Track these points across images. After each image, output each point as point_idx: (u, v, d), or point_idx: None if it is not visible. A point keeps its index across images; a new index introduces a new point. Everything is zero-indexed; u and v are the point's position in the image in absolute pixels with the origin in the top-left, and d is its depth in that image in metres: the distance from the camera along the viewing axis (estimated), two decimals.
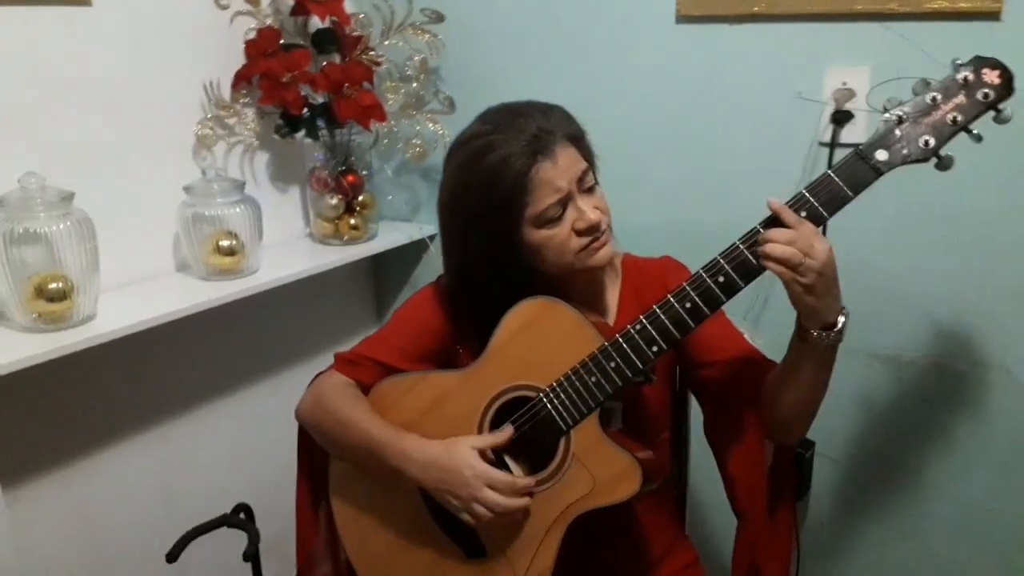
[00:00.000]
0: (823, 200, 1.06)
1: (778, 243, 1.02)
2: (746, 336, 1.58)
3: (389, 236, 2.00)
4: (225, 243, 1.68)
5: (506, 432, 1.19)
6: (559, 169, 1.15)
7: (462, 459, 1.15)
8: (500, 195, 1.15)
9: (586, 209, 1.17)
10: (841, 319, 1.07)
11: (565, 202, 1.17)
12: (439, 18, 1.86)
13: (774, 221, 1.06)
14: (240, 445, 1.92)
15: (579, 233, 1.18)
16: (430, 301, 1.33)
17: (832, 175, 1.06)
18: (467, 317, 1.28)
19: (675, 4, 1.64)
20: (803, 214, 1.05)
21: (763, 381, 1.20)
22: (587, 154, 1.22)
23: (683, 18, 1.65)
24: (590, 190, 1.20)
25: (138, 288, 1.65)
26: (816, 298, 1.03)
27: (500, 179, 1.14)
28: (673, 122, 1.71)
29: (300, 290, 1.94)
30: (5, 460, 1.53)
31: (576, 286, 1.27)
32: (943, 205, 1.47)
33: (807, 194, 1.06)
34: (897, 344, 1.57)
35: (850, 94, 1.51)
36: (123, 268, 1.65)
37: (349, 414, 1.24)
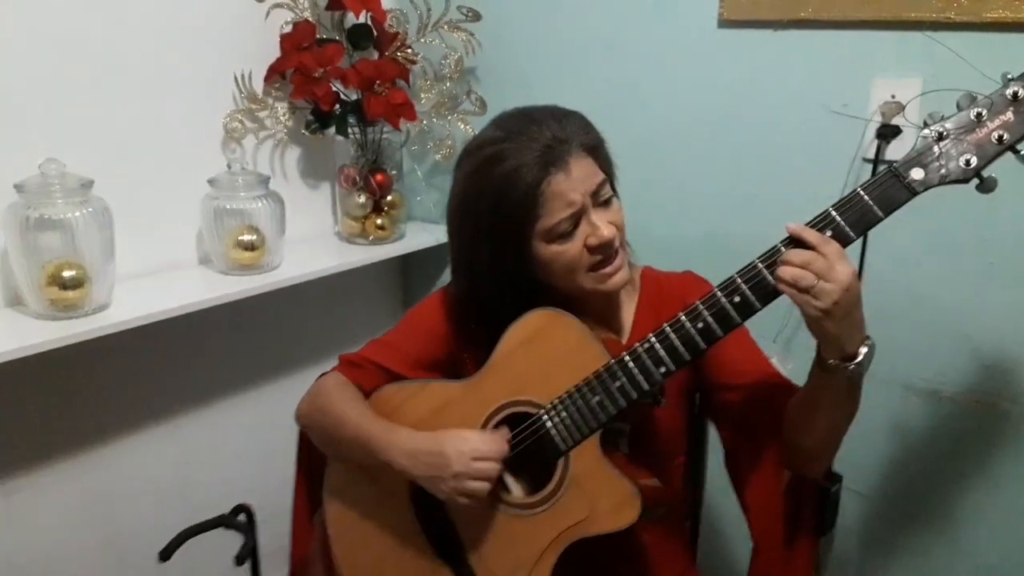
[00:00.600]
0: (851, 220, 0.99)
1: (792, 264, 0.97)
2: (775, 359, 1.52)
3: (417, 237, 1.98)
4: (246, 237, 1.68)
5: (503, 434, 1.14)
6: (572, 181, 1.10)
7: (452, 442, 1.11)
8: (510, 206, 1.11)
9: (600, 224, 1.12)
10: (863, 350, 1.01)
11: (578, 216, 1.12)
12: (476, 17, 1.83)
13: (800, 240, 1.00)
14: (253, 443, 1.91)
15: (591, 250, 1.13)
16: (439, 307, 1.30)
17: (862, 193, 1.00)
18: (474, 325, 1.24)
19: (718, 8, 1.58)
20: (828, 233, 0.99)
21: (785, 408, 1.14)
22: (605, 164, 1.17)
23: (726, 22, 1.58)
24: (606, 203, 1.15)
25: (156, 279, 1.66)
26: (834, 324, 0.97)
27: (511, 190, 1.10)
28: (709, 130, 1.65)
29: (324, 289, 1.94)
30: (16, 446, 1.55)
31: (591, 298, 1.23)
32: (992, 230, 1.39)
33: (834, 212, 1.00)
34: (935, 377, 1.48)
35: (898, 107, 1.43)
36: (144, 258, 1.66)
37: (343, 410, 1.21)
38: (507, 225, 1.12)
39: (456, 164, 1.20)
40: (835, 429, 1.10)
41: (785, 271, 0.98)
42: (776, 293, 1.02)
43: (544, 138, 1.10)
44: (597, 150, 1.16)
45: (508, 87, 1.85)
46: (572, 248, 1.13)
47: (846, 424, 1.10)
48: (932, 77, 1.39)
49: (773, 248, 1.03)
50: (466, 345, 1.27)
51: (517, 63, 1.87)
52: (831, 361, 1.01)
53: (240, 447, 1.91)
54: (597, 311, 1.24)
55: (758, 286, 1.02)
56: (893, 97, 1.43)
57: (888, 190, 0.99)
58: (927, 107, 1.40)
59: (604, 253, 1.13)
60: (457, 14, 1.84)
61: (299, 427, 1.34)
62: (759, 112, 1.58)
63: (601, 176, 1.14)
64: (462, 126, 1.88)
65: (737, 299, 1.03)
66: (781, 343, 1.57)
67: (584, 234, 1.13)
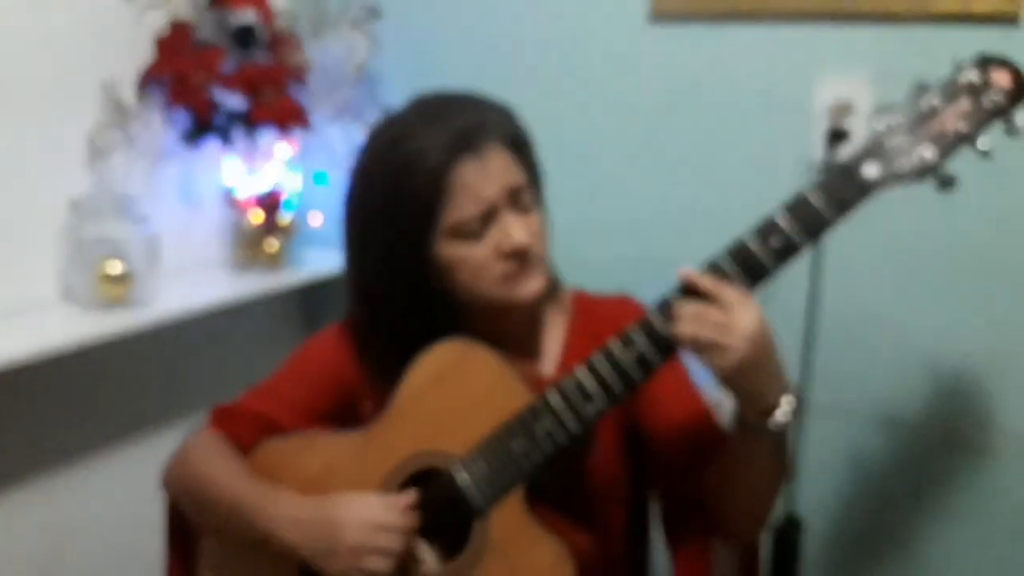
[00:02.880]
0: (798, 226, 0.90)
1: (684, 319, 0.89)
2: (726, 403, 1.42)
3: (317, 264, 1.84)
4: (114, 269, 1.51)
5: (408, 496, 1.00)
6: (486, 173, 0.98)
7: (347, 508, 0.97)
8: (409, 195, 0.98)
9: (513, 229, 1.00)
10: (785, 402, 0.91)
11: (488, 216, 1.00)
12: (376, 15, 1.71)
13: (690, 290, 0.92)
14: (127, 508, 1.72)
15: (504, 256, 1.01)
16: (332, 342, 1.17)
17: (809, 194, 0.90)
18: (370, 359, 1.11)
19: (648, 0, 1.50)
20: (774, 243, 0.90)
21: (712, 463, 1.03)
22: (529, 168, 1.06)
23: (657, 16, 1.51)
24: (525, 209, 1.03)
25: (3, 321, 1.47)
26: (745, 380, 0.89)
27: (411, 174, 0.98)
28: (641, 137, 1.56)
29: (212, 325, 1.77)
30: None
31: (507, 325, 1.10)
32: (947, 236, 1.33)
33: (778, 219, 0.91)
34: (895, 404, 1.41)
35: (846, 108, 1.36)
36: None
37: (213, 472, 1.06)
38: (403, 217, 1.00)
39: (356, 150, 1.08)
40: (759, 495, 1.00)
41: (680, 327, 0.90)
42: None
43: (459, 121, 0.98)
44: (521, 148, 1.05)
45: (414, 90, 1.73)
46: (479, 252, 1.00)
47: (772, 490, 1.00)
48: (880, 75, 1.32)
49: (663, 299, 0.94)
50: (363, 387, 1.14)
51: (425, 65, 1.77)
52: (749, 418, 0.92)
53: (112, 513, 1.72)
54: (519, 339, 1.12)
55: (658, 341, 0.93)
56: (840, 97, 1.37)
57: (839, 190, 0.90)
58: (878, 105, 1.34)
59: (517, 263, 1.01)
60: (356, 12, 1.72)
61: (167, 495, 1.17)
62: (695, 115, 1.51)
63: (522, 178, 1.03)
64: (364, 135, 1.75)
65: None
66: None
67: (495, 238, 1.00)
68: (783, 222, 0.90)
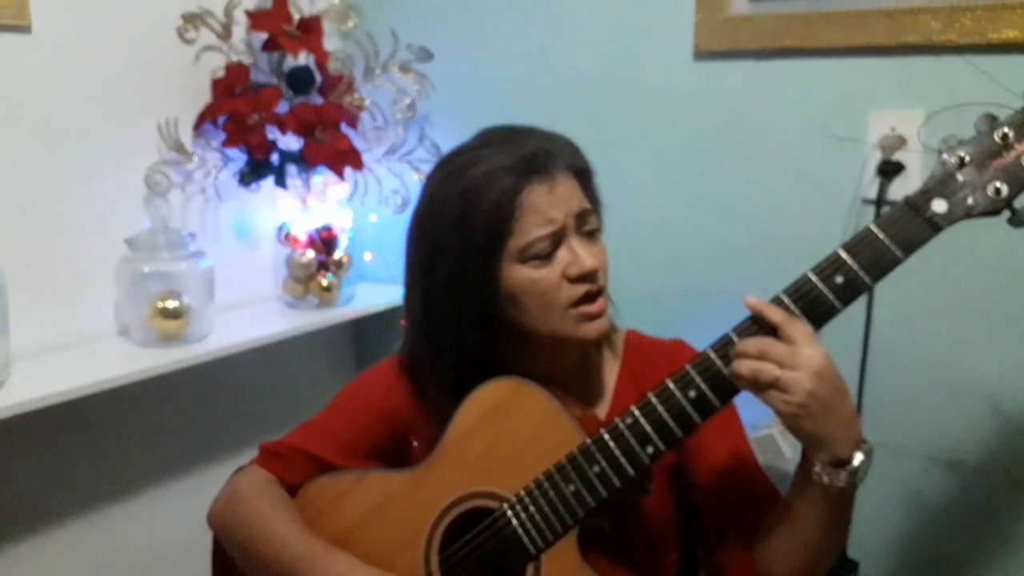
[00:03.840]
0: (865, 262, 0.84)
1: (747, 355, 0.82)
2: (774, 431, 1.35)
3: (368, 300, 1.81)
4: (169, 304, 1.49)
5: None
6: (555, 197, 0.96)
7: None
8: (479, 216, 0.95)
9: (582, 253, 0.96)
10: (858, 456, 0.84)
11: (558, 239, 0.97)
12: (428, 56, 1.69)
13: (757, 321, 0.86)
14: (179, 541, 1.69)
15: (571, 280, 0.97)
16: (383, 380, 1.12)
17: (876, 231, 0.85)
18: (427, 394, 1.07)
19: (692, 38, 1.45)
20: (839, 279, 0.84)
21: (762, 522, 0.96)
22: (593, 196, 1.03)
23: (702, 53, 1.46)
24: (591, 236, 1.00)
25: (63, 354, 1.46)
26: (814, 422, 0.82)
27: (482, 196, 0.95)
28: (689, 173, 1.50)
29: (264, 360, 1.75)
30: None
31: (563, 362, 1.06)
32: (1005, 269, 1.25)
33: (844, 254, 0.85)
34: (958, 446, 1.32)
35: (900, 142, 1.30)
36: (50, 331, 1.48)
37: (266, 522, 1.01)
38: (473, 238, 0.96)
39: (425, 180, 1.05)
40: (815, 554, 0.91)
41: (741, 365, 0.83)
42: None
43: (528, 147, 0.96)
44: (586, 177, 1.02)
45: (465, 132, 1.70)
46: (549, 275, 0.96)
47: (830, 549, 0.92)
48: (936, 108, 1.26)
49: (722, 338, 0.88)
50: (415, 424, 1.09)
51: (474, 105, 1.73)
52: (816, 467, 0.84)
53: (162, 547, 1.69)
54: (572, 377, 1.07)
55: (716, 381, 0.87)
56: (893, 130, 1.30)
57: (906, 226, 0.84)
58: (932, 139, 1.28)
59: (587, 285, 0.97)
60: (407, 54, 1.70)
61: (212, 532, 1.12)
62: (744, 152, 1.45)
63: (588, 205, 1.00)
64: (415, 175, 1.72)
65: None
66: None
67: (563, 262, 0.97)
68: (848, 259, 0.84)
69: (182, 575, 1.69)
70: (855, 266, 0.85)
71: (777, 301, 0.86)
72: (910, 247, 0.84)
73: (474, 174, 0.96)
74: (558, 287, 0.97)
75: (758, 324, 0.86)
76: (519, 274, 0.97)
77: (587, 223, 1.00)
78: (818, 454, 0.84)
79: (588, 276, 0.97)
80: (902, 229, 0.84)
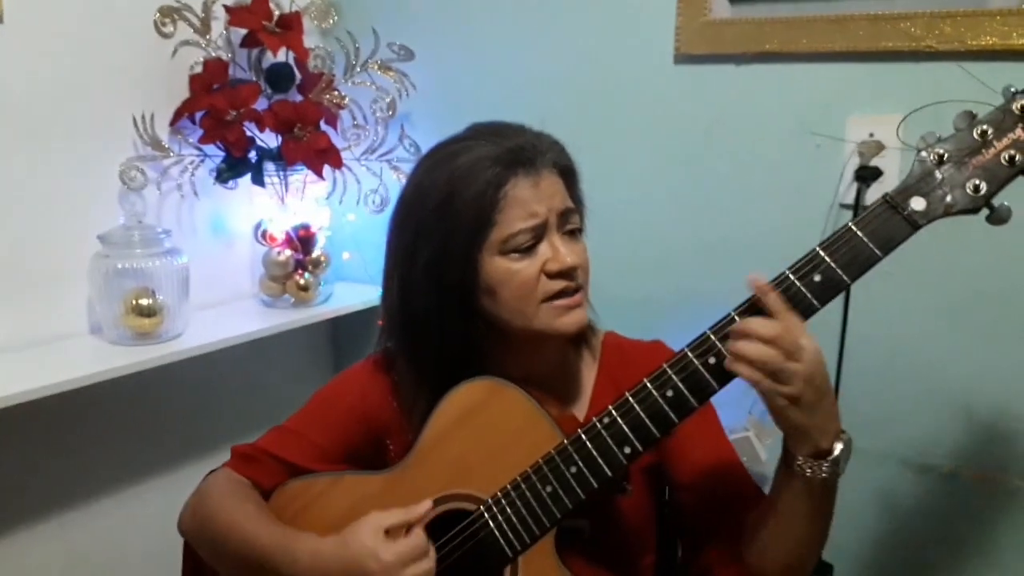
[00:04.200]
0: (843, 260, 0.84)
1: (755, 339, 0.81)
2: (750, 434, 1.34)
3: (346, 299, 1.78)
4: (143, 302, 1.46)
5: (423, 506, 0.94)
6: (540, 192, 0.95)
7: (365, 549, 0.89)
8: (463, 204, 0.94)
9: (563, 249, 0.95)
10: (838, 446, 0.83)
11: (540, 233, 0.96)
12: (409, 55, 1.67)
13: (754, 307, 0.84)
14: (152, 543, 1.65)
15: (550, 276, 0.95)
16: (359, 381, 1.10)
17: (855, 229, 0.84)
18: (404, 392, 1.05)
19: (674, 41, 1.44)
20: (817, 277, 0.83)
21: (746, 520, 0.95)
22: (577, 197, 1.03)
23: (683, 57, 1.45)
24: (572, 235, 0.99)
25: (32, 352, 1.43)
26: (803, 413, 0.81)
27: (467, 184, 0.94)
28: (669, 177, 1.49)
29: (240, 359, 1.72)
30: None
31: (541, 362, 1.04)
32: (995, 276, 1.24)
33: (822, 253, 0.84)
34: (932, 450, 1.31)
35: (878, 147, 1.29)
36: (20, 328, 1.44)
37: (233, 517, 0.99)
38: (455, 227, 0.95)
39: (411, 171, 1.05)
40: (803, 547, 0.91)
41: (748, 348, 0.81)
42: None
43: (516, 141, 0.96)
44: (570, 177, 1.01)
45: (445, 132, 1.68)
46: (527, 269, 0.95)
47: (817, 541, 0.91)
48: (913, 112, 1.25)
49: (726, 316, 0.87)
50: (391, 425, 1.07)
51: (455, 105, 1.71)
52: (799, 460, 0.84)
53: (133, 546, 1.65)
54: (550, 377, 1.05)
55: (695, 381, 0.86)
56: (872, 135, 1.30)
57: (885, 224, 0.84)
58: (911, 140, 1.27)
59: (564, 282, 0.96)
60: (388, 52, 1.68)
61: (183, 538, 1.09)
62: (723, 155, 1.44)
63: (572, 203, 0.99)
64: (395, 175, 1.70)
65: (712, 360, 0.86)
66: (759, 412, 1.39)
67: (543, 257, 0.96)
68: (827, 257, 0.84)
69: (154, 575, 1.66)
70: (833, 264, 0.84)
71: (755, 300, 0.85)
72: (888, 245, 0.83)
73: (461, 162, 0.95)
74: (536, 281, 0.96)
75: (758, 307, 0.84)
76: (498, 265, 0.96)
77: (569, 221, 0.99)
78: (800, 446, 0.83)
79: (567, 273, 0.96)
80: (880, 227, 0.83)
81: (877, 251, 0.83)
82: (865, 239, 0.83)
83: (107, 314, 1.47)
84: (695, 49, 1.43)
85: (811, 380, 0.80)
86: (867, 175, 1.30)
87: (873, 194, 1.30)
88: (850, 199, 1.32)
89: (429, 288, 0.98)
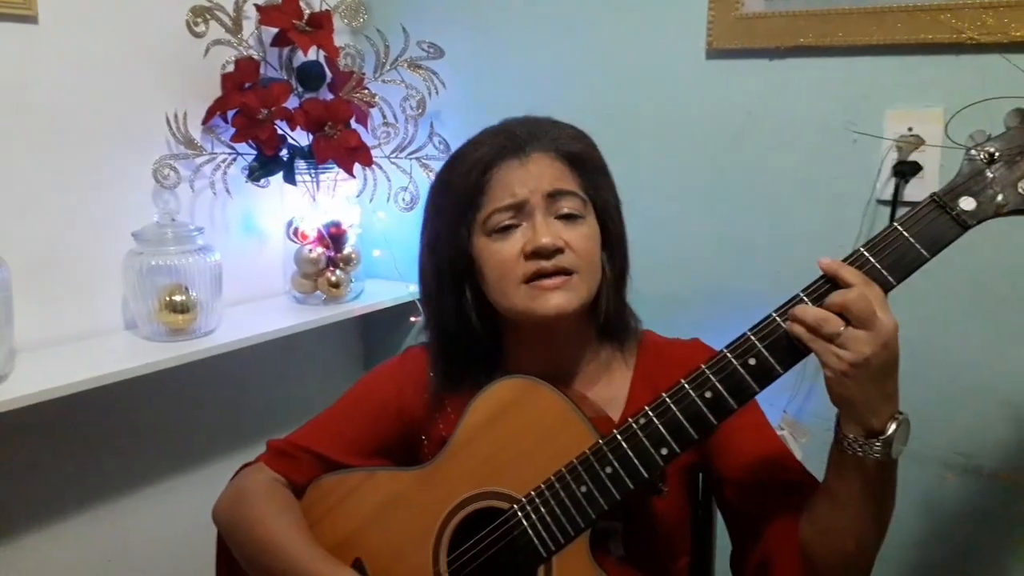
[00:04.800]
0: (888, 261, 0.80)
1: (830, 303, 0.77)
2: (784, 433, 1.31)
3: (376, 296, 1.77)
4: (176, 298, 1.45)
5: None
6: (525, 172, 0.95)
7: None
8: (454, 185, 0.99)
9: (539, 229, 0.94)
10: (891, 426, 0.79)
11: (521, 214, 0.95)
12: (439, 53, 1.65)
13: (827, 284, 0.81)
14: (186, 532, 1.65)
15: (526, 257, 0.94)
16: (394, 375, 1.08)
17: (900, 229, 0.80)
18: (436, 389, 1.04)
19: (705, 36, 1.41)
20: None
21: (803, 509, 0.91)
22: (588, 185, 0.99)
23: (715, 52, 1.41)
24: (567, 217, 0.96)
25: (67, 348, 1.42)
26: (859, 387, 0.77)
27: (459, 166, 0.98)
28: (701, 174, 1.46)
29: (272, 354, 1.72)
30: None
31: (572, 357, 1.02)
32: None
33: (867, 253, 0.81)
34: (976, 452, 1.27)
35: (917, 142, 1.25)
36: (56, 325, 1.44)
37: (270, 528, 0.97)
38: (449, 206, 0.99)
39: None
40: (861, 532, 0.85)
41: (805, 311, 0.78)
42: (802, 354, 0.81)
43: (516, 128, 0.98)
44: (580, 163, 0.99)
45: (475, 129, 1.66)
46: (506, 249, 0.95)
47: (877, 526, 0.86)
48: (957, 107, 1.21)
49: (794, 296, 0.83)
50: (425, 419, 1.05)
51: (484, 102, 1.69)
52: (849, 437, 0.80)
53: (168, 540, 1.65)
54: (582, 380, 1.02)
55: (777, 344, 0.82)
56: (911, 130, 1.26)
57: (932, 224, 0.80)
58: (954, 138, 1.23)
59: (540, 262, 0.94)
60: (418, 51, 1.66)
61: (217, 529, 1.08)
62: (757, 152, 1.40)
63: (569, 187, 0.97)
64: (424, 173, 1.68)
65: (752, 361, 0.83)
66: (793, 410, 1.36)
67: (524, 238, 0.95)
68: (871, 258, 0.80)
69: (188, 569, 1.65)
70: (878, 265, 0.80)
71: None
72: (936, 246, 0.80)
73: (463, 149, 1.00)
74: (515, 262, 0.95)
75: (832, 285, 0.80)
76: (483, 246, 0.97)
77: (561, 204, 0.96)
78: (850, 423, 0.80)
79: (542, 252, 0.93)
80: (927, 227, 0.80)
81: (924, 252, 0.79)
82: (912, 239, 0.79)
83: (141, 310, 1.47)
84: (727, 43, 1.39)
85: (876, 352, 0.76)
86: (906, 170, 1.26)
87: (912, 190, 1.26)
88: (888, 195, 1.28)
89: (432, 272, 1.02)
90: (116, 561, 1.57)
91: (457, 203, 0.98)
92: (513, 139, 0.97)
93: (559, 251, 0.94)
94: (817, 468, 1.00)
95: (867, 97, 1.29)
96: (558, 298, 0.94)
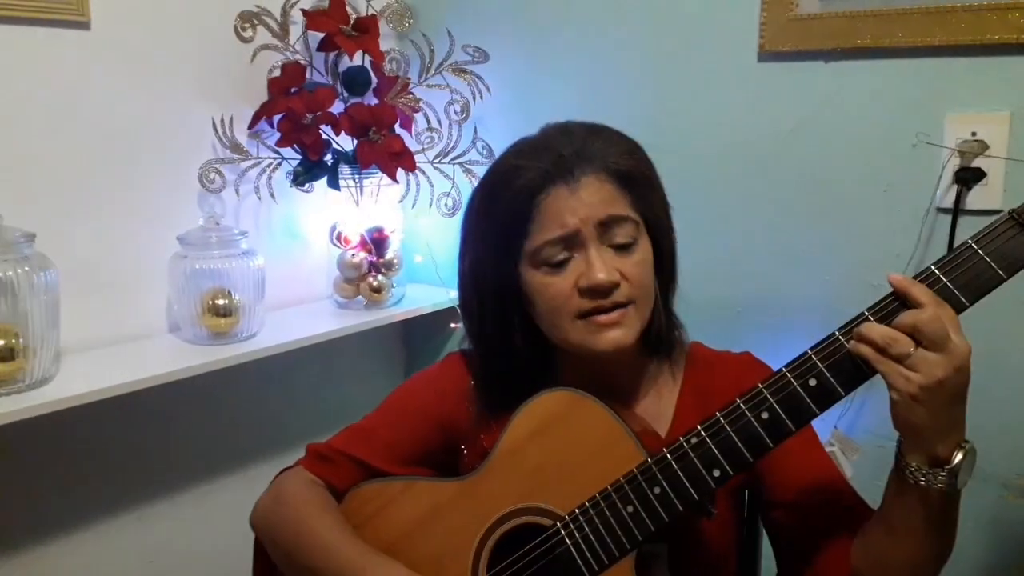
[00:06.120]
0: (961, 281, 0.73)
1: (901, 323, 0.71)
2: (834, 449, 1.23)
3: (418, 301, 1.72)
4: (220, 302, 1.43)
5: None
6: (576, 200, 0.87)
7: None
8: (500, 210, 0.91)
9: (595, 264, 0.87)
10: (958, 455, 0.73)
11: (573, 245, 0.88)
12: (484, 57, 1.61)
13: (895, 302, 0.74)
14: (226, 535, 1.62)
15: (581, 293, 0.88)
16: (437, 382, 1.04)
17: (976, 247, 0.74)
18: (479, 399, 1.00)
19: (757, 38, 1.34)
20: None
21: (855, 535, 0.85)
22: (640, 203, 0.92)
23: (767, 55, 1.34)
24: (622, 248, 0.89)
25: (112, 350, 1.40)
26: (927, 413, 0.71)
27: (506, 190, 0.90)
28: (752, 180, 1.39)
29: (314, 359, 1.68)
30: None
31: (614, 371, 0.96)
32: None
33: (938, 271, 0.74)
34: None
35: (981, 147, 1.17)
36: (103, 326, 1.42)
37: (311, 525, 0.93)
38: (495, 231, 0.92)
39: None
40: (921, 564, 0.80)
41: (872, 329, 0.72)
42: (865, 375, 0.75)
43: (562, 149, 0.89)
44: (631, 181, 0.91)
45: (519, 134, 1.61)
46: (559, 283, 0.89)
47: (935, 563, 0.80)
48: (1020, 109, 1.14)
49: (859, 315, 0.76)
50: (467, 428, 1.00)
51: (528, 108, 1.64)
52: (912, 466, 0.74)
53: (208, 542, 1.62)
54: (629, 390, 0.97)
55: (839, 365, 0.76)
56: (974, 135, 1.18)
57: (1010, 243, 0.73)
58: (1018, 144, 1.15)
59: (597, 300, 0.88)
60: (463, 55, 1.61)
61: (256, 534, 1.04)
62: (810, 156, 1.33)
63: (622, 211, 0.89)
64: (467, 178, 1.64)
65: (813, 382, 0.77)
66: (845, 426, 1.28)
67: (577, 271, 0.88)
68: (943, 278, 0.73)
69: (228, 572, 1.62)
70: (950, 285, 0.74)
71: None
72: (1015, 267, 0.73)
73: (507, 167, 0.92)
74: (568, 297, 0.88)
75: (901, 304, 0.74)
76: (532, 278, 0.91)
77: (616, 232, 0.89)
78: (914, 451, 0.74)
79: (599, 290, 0.87)
80: (1004, 246, 0.73)
81: (1001, 272, 0.73)
82: (987, 258, 0.73)
83: (185, 314, 1.45)
84: (781, 46, 1.33)
85: (948, 377, 0.70)
86: (968, 177, 1.18)
87: (974, 198, 1.18)
88: (949, 203, 1.20)
89: (473, 291, 0.97)
90: (157, 562, 1.54)
91: (502, 231, 0.91)
92: (560, 162, 0.89)
93: (615, 286, 0.88)
94: (866, 486, 0.93)
95: (928, 100, 1.22)
96: (616, 333, 0.88)
